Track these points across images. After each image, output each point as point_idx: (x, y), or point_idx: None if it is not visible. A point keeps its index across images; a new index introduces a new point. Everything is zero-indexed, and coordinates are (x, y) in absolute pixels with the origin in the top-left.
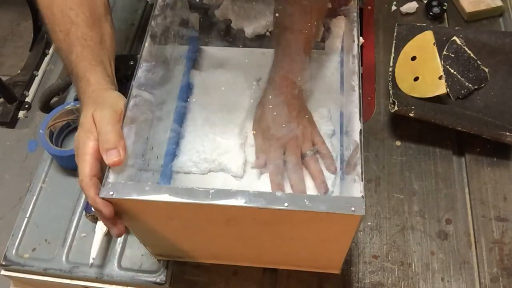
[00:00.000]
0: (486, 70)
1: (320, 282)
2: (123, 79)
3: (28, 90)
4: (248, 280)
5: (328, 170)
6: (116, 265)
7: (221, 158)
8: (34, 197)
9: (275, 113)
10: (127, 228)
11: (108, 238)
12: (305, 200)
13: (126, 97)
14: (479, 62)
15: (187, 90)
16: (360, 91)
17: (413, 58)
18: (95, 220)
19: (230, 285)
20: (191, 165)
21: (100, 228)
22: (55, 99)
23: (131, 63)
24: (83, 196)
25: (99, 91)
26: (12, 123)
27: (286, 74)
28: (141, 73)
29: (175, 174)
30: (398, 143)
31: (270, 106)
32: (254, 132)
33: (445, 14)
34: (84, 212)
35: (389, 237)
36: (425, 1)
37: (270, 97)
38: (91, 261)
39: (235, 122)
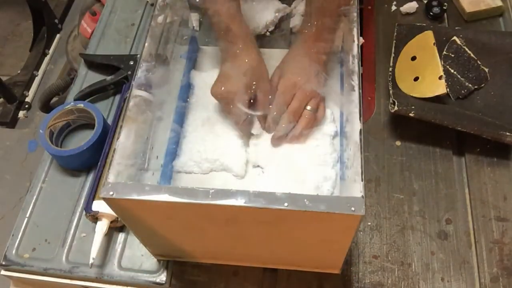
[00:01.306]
0: (486, 70)
1: (320, 282)
2: (123, 79)
3: (28, 90)
4: (248, 280)
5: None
6: (116, 265)
7: (223, 158)
8: (34, 197)
9: (297, 65)
10: (127, 228)
11: (108, 238)
12: (305, 200)
13: (126, 98)
14: (479, 62)
15: (187, 90)
16: (360, 91)
17: (413, 58)
18: (95, 220)
19: (230, 285)
20: (193, 164)
21: (100, 228)
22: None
23: (131, 63)
24: (83, 196)
25: None
26: (12, 123)
27: (315, 37)
28: (141, 73)
29: (176, 173)
30: (398, 143)
31: (294, 60)
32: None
33: (445, 14)
34: (84, 212)
35: (389, 237)
36: (425, 1)
37: (295, 52)
38: (91, 261)
39: None
